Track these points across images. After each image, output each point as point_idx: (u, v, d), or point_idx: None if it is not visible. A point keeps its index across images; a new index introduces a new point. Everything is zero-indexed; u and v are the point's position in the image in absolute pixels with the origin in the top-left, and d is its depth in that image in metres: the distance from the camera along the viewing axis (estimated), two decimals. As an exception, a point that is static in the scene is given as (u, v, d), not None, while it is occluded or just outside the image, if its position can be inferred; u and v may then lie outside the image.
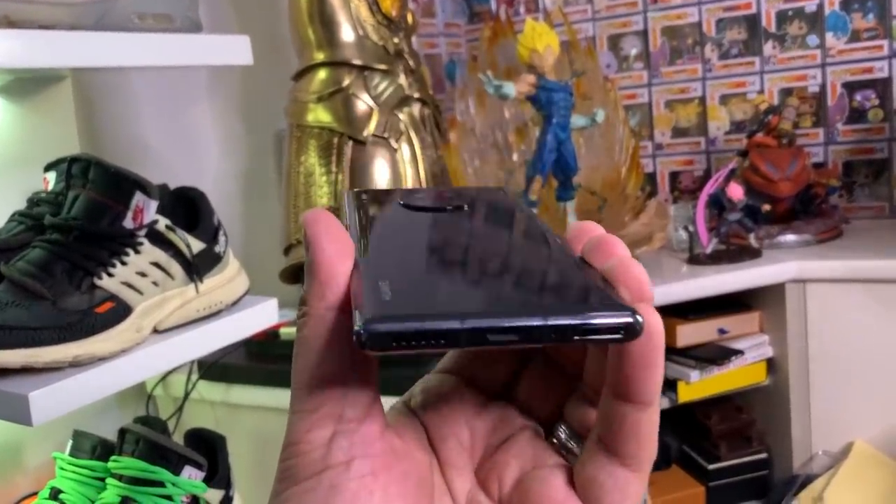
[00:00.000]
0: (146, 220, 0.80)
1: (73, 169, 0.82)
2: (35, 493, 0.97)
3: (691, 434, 1.66)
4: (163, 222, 0.82)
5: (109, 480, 0.91)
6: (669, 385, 1.53)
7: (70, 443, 0.97)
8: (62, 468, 0.95)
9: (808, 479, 1.49)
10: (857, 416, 1.49)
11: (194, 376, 1.20)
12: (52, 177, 0.90)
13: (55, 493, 0.93)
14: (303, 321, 0.26)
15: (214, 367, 1.18)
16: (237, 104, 1.46)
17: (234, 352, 1.18)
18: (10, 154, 0.99)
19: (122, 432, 0.93)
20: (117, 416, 1.17)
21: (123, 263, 0.79)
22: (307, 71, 1.14)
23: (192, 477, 0.91)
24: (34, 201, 0.89)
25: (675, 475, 1.63)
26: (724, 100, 1.86)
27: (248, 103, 1.47)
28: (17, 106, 1.00)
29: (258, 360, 1.20)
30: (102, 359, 0.77)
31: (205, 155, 1.40)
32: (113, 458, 0.92)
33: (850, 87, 1.75)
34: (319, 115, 1.11)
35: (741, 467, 1.59)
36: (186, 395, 1.19)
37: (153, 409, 1.23)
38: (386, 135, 1.11)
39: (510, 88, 1.44)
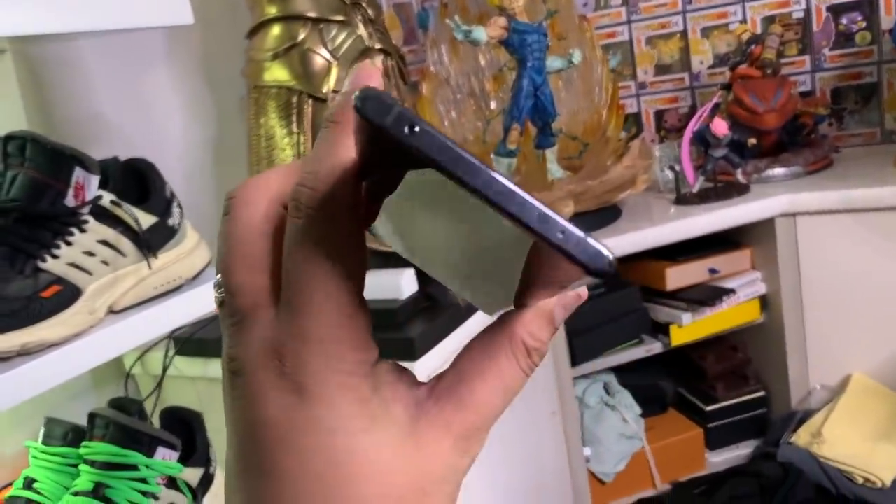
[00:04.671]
0: (88, 197, 0.75)
1: (10, 147, 0.78)
2: (10, 484, 0.95)
3: (687, 377, 1.64)
4: (107, 197, 0.78)
5: (82, 467, 0.88)
6: (661, 329, 1.50)
7: (42, 430, 0.95)
8: (35, 457, 0.93)
9: (807, 415, 1.47)
10: (854, 349, 1.47)
11: (171, 353, 1.17)
12: (-7, 157, 0.86)
13: (29, 483, 0.91)
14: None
15: (190, 342, 1.15)
16: (197, 68, 1.40)
17: (209, 325, 1.15)
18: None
19: (92, 417, 0.90)
20: (94, 397, 1.14)
21: (68, 244, 0.75)
22: (260, 27, 1.08)
23: (166, 458, 0.89)
24: (-26, 184, 0.84)
25: (672, 419, 1.61)
26: (706, 32, 1.79)
27: (210, 66, 1.41)
28: (-47, 84, 0.95)
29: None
30: (55, 345, 0.73)
31: (167, 124, 1.35)
32: (84, 443, 0.89)
33: (836, 11, 1.68)
34: (276, 73, 1.06)
35: (739, 407, 1.57)
36: (164, 371, 1.16)
37: (132, 388, 1.20)
38: (347, 90, 1.05)
39: (480, 33, 1.38)
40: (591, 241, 0.21)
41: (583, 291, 0.28)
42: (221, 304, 0.26)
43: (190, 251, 0.88)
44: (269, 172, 0.26)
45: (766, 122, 1.54)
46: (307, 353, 0.23)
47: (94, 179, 0.76)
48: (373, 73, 0.25)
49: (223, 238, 0.26)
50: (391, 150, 0.21)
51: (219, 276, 0.26)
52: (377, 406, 0.24)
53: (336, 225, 0.23)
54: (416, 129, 0.20)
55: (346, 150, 0.24)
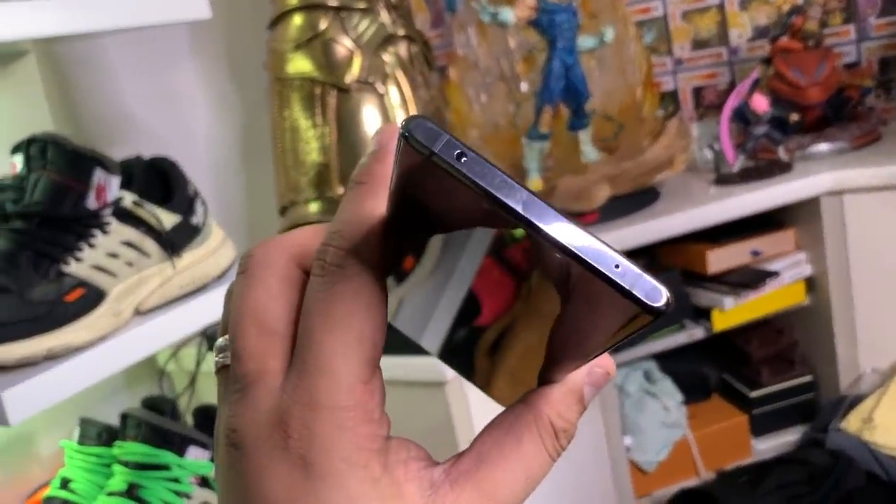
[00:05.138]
0: (110, 198, 0.75)
1: (32, 150, 0.77)
2: (48, 483, 0.96)
3: (730, 361, 1.60)
4: (129, 198, 0.77)
5: (116, 467, 0.88)
6: (703, 314, 1.46)
7: (77, 430, 0.95)
8: (70, 457, 0.93)
9: (857, 400, 1.42)
10: (906, 330, 1.41)
11: (204, 349, 1.17)
12: (18, 160, 0.86)
13: (65, 483, 0.91)
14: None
15: (222, 339, 1.14)
16: (223, 61, 1.39)
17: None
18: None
19: (124, 417, 0.90)
20: (128, 395, 1.15)
21: (91, 246, 0.74)
22: (281, 18, 1.06)
23: (197, 457, 0.88)
24: (0, 188, 0.84)
25: (715, 405, 1.57)
26: (745, 4, 1.73)
27: (235, 59, 1.40)
28: (-22, 87, 0.95)
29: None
30: (81, 348, 0.73)
31: (194, 119, 1.34)
32: (117, 443, 0.89)
33: (882, -24, 1.61)
34: (298, 64, 1.04)
35: (785, 392, 1.52)
36: (197, 368, 1.16)
37: (167, 386, 1.21)
38: (371, 79, 1.03)
39: (508, 14, 1.35)
40: (647, 276, 0.19)
41: (611, 367, 0.26)
42: (220, 369, 0.24)
43: (215, 249, 0.87)
44: (290, 233, 0.25)
45: (809, 96, 1.48)
46: (316, 422, 0.22)
47: (115, 180, 0.75)
48: (396, 133, 0.24)
49: (235, 297, 0.24)
50: (430, 182, 0.20)
51: (221, 339, 0.25)
52: (388, 487, 0.22)
53: (359, 285, 0.22)
54: (466, 156, 0.19)
55: (372, 209, 0.23)
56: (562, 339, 0.23)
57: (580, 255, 0.19)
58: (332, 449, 0.22)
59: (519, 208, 0.19)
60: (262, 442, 0.22)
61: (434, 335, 0.27)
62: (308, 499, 0.22)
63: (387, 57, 1.05)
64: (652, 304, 0.19)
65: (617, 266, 0.19)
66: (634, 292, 0.19)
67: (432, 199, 0.21)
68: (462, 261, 0.23)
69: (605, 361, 0.26)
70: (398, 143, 0.20)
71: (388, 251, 0.23)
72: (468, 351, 0.28)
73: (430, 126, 0.19)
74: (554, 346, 0.23)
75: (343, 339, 0.22)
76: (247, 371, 0.23)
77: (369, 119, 1.05)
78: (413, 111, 1.07)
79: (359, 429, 0.22)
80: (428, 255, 0.24)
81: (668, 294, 0.19)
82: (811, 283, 1.47)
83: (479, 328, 0.26)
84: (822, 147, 1.48)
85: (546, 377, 0.25)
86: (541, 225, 0.19)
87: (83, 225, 0.74)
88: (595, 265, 0.19)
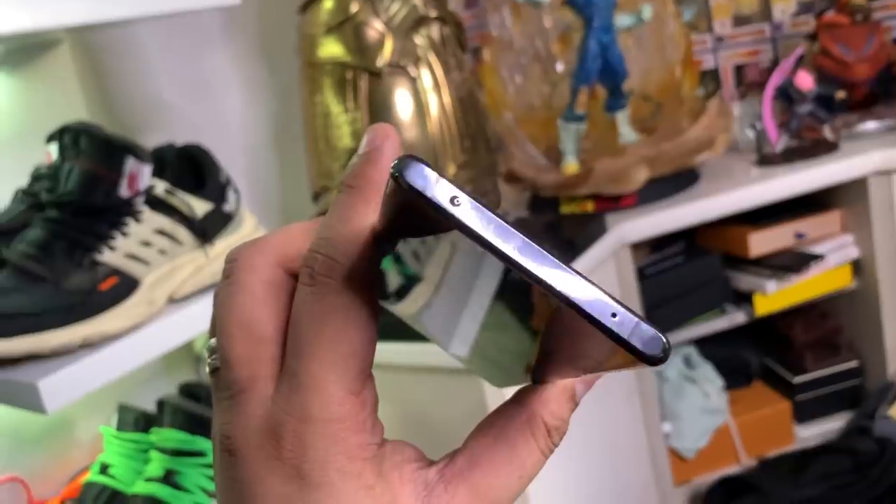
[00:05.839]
0: (142, 187, 0.75)
1: (65, 139, 0.78)
2: (88, 468, 0.97)
3: (773, 346, 1.56)
4: (161, 186, 0.77)
5: (153, 453, 0.89)
6: (744, 298, 1.42)
7: (115, 416, 0.96)
8: (109, 442, 0.94)
9: (906, 386, 1.38)
10: (958, 314, 1.36)
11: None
12: (53, 149, 0.86)
13: (104, 468, 0.93)
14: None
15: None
16: (257, 46, 1.38)
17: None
18: (13, 129, 0.95)
19: (161, 404, 0.91)
20: (166, 381, 1.16)
21: (124, 235, 0.74)
22: (312, 2, 1.05)
23: (233, 444, 0.88)
24: (36, 177, 0.85)
25: (757, 391, 1.54)
26: (789, -22, 1.67)
27: (268, 44, 1.39)
28: (13, 79, 0.96)
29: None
30: (115, 336, 0.73)
31: (228, 105, 1.34)
32: (153, 430, 0.90)
33: (935, -55, 1.54)
34: (330, 48, 1.03)
35: (830, 378, 1.48)
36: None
37: (203, 371, 1.22)
38: (402, 62, 1.01)
39: (542, -6, 1.32)
40: (645, 325, 0.19)
41: None
42: (213, 371, 0.24)
43: (247, 237, 0.86)
44: (274, 234, 0.25)
45: (856, 72, 1.43)
46: (308, 433, 0.22)
47: (147, 168, 0.74)
48: (389, 132, 0.23)
49: (221, 303, 0.24)
50: (422, 218, 0.20)
51: (212, 340, 0.24)
52: (383, 493, 0.22)
53: (349, 295, 0.22)
54: (460, 201, 0.19)
55: (364, 216, 0.22)
56: (563, 355, 0.23)
57: (577, 303, 0.19)
58: (326, 460, 0.22)
59: (514, 255, 0.19)
60: (256, 450, 0.22)
61: (469, 322, 0.26)
62: None
63: (419, 40, 1.03)
64: (649, 353, 0.19)
65: (614, 315, 0.19)
66: (631, 342, 0.19)
67: (426, 228, 0.21)
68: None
69: None
70: (388, 182, 0.19)
71: (380, 259, 0.23)
72: (523, 309, 0.26)
73: (422, 168, 0.19)
74: (554, 355, 0.23)
75: (334, 354, 0.22)
76: (237, 378, 0.23)
77: (401, 103, 1.03)
78: (446, 94, 1.05)
79: (351, 439, 0.22)
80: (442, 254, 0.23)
81: (665, 341, 0.19)
82: (858, 266, 1.43)
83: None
84: (870, 125, 1.43)
85: (539, 377, 0.25)
86: (536, 273, 0.19)
87: (116, 214, 0.74)
88: (592, 314, 0.19)
